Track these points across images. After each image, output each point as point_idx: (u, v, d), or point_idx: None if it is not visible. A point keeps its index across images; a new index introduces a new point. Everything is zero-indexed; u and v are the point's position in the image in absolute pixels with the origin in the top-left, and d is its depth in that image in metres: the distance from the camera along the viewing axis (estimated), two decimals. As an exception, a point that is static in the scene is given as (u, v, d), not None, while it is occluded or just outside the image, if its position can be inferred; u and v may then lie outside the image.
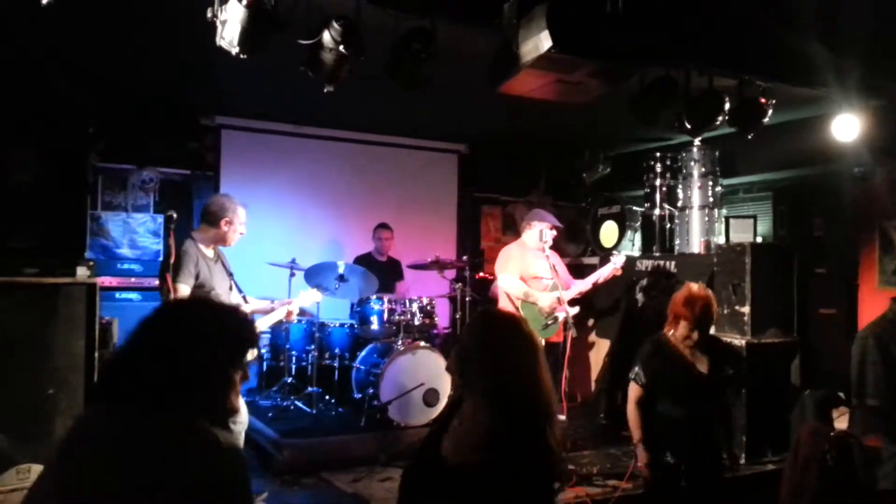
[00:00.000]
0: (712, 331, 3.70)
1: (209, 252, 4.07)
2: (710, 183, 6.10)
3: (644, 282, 6.04)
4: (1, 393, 3.70)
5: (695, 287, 3.55)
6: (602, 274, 5.32)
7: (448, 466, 1.97)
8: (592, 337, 6.57)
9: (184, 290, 3.84)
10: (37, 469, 3.74)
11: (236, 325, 1.68)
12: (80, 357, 3.94)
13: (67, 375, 3.90)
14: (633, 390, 3.56)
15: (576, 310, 5.06)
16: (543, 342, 4.88)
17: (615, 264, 5.33)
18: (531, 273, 5.19)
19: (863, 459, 2.99)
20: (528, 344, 2.05)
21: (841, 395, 5.16)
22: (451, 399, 2.21)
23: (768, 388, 5.04)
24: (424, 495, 2.05)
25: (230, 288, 4.14)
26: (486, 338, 2.07)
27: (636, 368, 3.56)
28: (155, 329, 1.62)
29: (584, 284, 5.28)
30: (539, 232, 5.19)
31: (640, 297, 6.08)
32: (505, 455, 1.92)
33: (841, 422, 5.16)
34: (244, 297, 4.25)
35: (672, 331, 3.53)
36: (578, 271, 6.04)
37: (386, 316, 5.79)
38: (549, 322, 4.99)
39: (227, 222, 4.05)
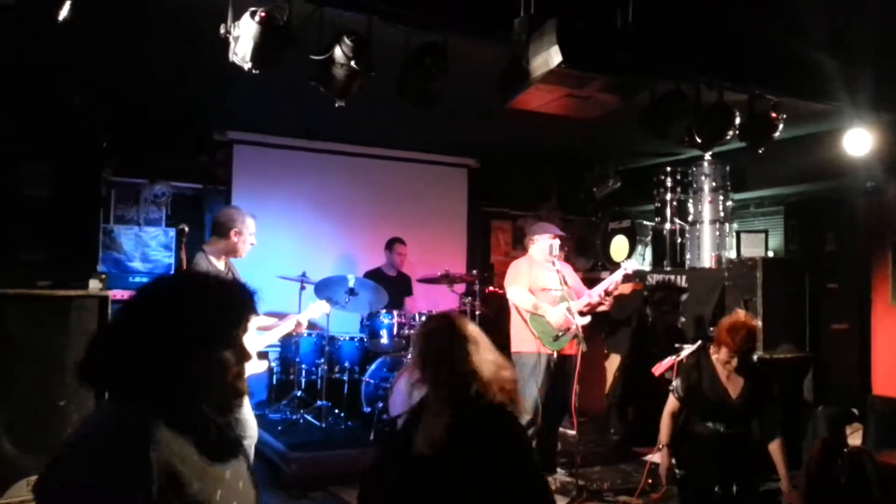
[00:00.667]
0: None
1: (220, 264, 4.09)
2: (721, 197, 6.08)
3: (655, 296, 6.02)
4: (13, 404, 3.71)
5: (741, 315, 3.62)
6: (612, 281, 5.25)
7: (419, 457, 2.11)
8: (604, 351, 6.53)
9: None
10: (47, 481, 3.75)
11: (215, 299, 1.47)
12: (92, 369, 3.95)
13: (78, 387, 3.91)
14: (670, 402, 3.68)
15: (585, 320, 5.04)
16: (555, 354, 4.91)
17: (625, 269, 5.28)
18: (540, 285, 5.18)
19: (876, 475, 2.96)
20: (458, 336, 2.22)
21: (854, 410, 5.11)
22: (421, 398, 2.34)
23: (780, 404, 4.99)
24: (395, 487, 2.16)
25: None
26: (425, 340, 2.28)
27: (675, 382, 3.68)
28: (126, 313, 1.45)
29: (594, 294, 5.26)
30: (545, 244, 5.19)
31: (650, 311, 6.06)
32: (466, 440, 2.08)
33: (854, 438, 5.11)
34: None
35: (716, 352, 3.58)
36: (594, 286, 6.02)
37: (395, 330, 5.80)
38: (560, 334, 4.97)
39: (237, 233, 4.07)
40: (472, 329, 2.27)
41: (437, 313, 2.71)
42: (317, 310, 4.50)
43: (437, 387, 2.19)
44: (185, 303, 1.43)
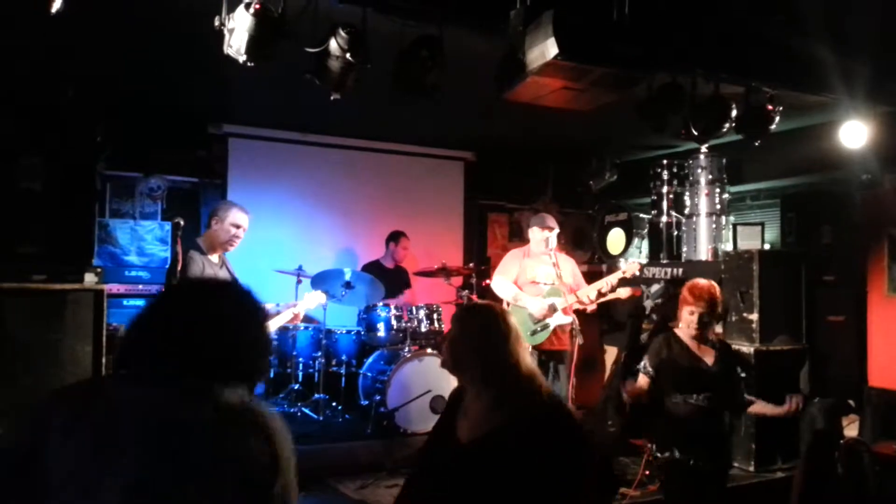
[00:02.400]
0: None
1: (214, 258, 4.10)
2: (718, 190, 6.08)
3: (652, 289, 6.02)
4: (8, 397, 3.71)
5: (701, 280, 3.61)
6: (608, 282, 5.25)
7: (463, 445, 2.13)
8: (602, 345, 6.54)
9: None
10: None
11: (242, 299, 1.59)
12: (88, 363, 3.96)
13: (74, 381, 3.91)
14: (642, 381, 3.62)
15: (568, 319, 5.02)
16: (530, 348, 4.90)
17: (623, 272, 5.26)
18: (528, 278, 5.20)
19: (872, 466, 2.97)
20: (498, 327, 2.20)
21: (850, 402, 5.13)
22: (453, 392, 2.36)
23: (777, 396, 5.01)
24: (441, 475, 2.17)
25: None
26: (463, 329, 2.26)
27: (644, 361, 3.64)
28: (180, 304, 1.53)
29: (588, 291, 5.25)
30: (537, 236, 5.20)
31: (647, 304, 6.07)
32: (511, 431, 2.04)
33: (850, 429, 5.13)
34: None
35: (680, 325, 3.58)
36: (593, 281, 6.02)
37: (393, 323, 5.79)
38: (538, 329, 4.97)
39: (217, 220, 4.08)
40: (514, 322, 2.27)
41: (478, 302, 2.70)
42: (313, 300, 4.51)
43: (477, 375, 2.18)
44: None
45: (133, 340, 1.45)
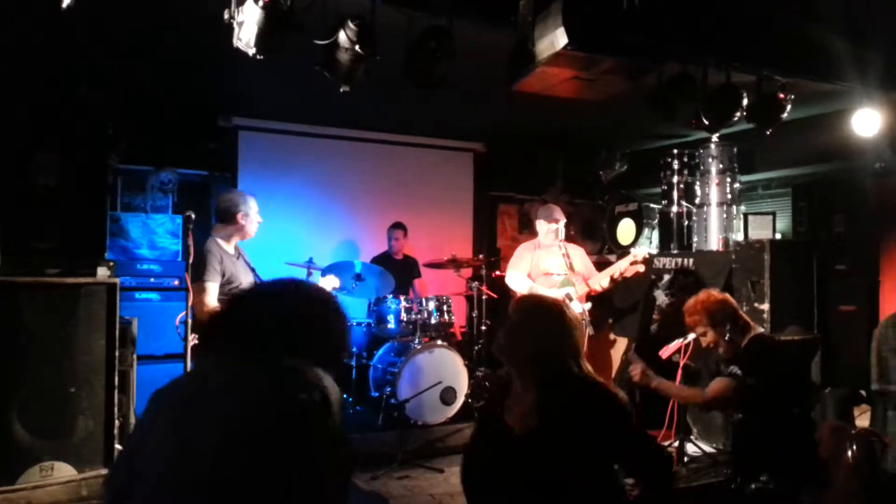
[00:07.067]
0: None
1: (230, 249, 4.16)
2: (729, 179, 6.05)
3: (663, 280, 6.01)
4: (24, 391, 3.75)
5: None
6: (619, 268, 5.26)
7: (514, 436, 2.16)
8: (611, 335, 6.54)
9: (212, 287, 3.93)
10: (59, 466, 3.79)
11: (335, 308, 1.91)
12: (101, 356, 3.99)
13: (88, 374, 3.94)
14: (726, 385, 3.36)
15: (585, 307, 5.03)
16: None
17: (634, 256, 5.26)
18: (541, 269, 5.20)
19: (884, 457, 2.96)
20: (560, 320, 2.23)
21: (862, 392, 5.11)
22: (499, 378, 2.43)
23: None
24: (492, 464, 2.21)
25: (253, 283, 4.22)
26: (522, 319, 2.28)
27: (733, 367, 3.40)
28: (291, 292, 1.81)
29: (601, 279, 5.26)
30: (543, 228, 5.20)
31: (658, 294, 6.05)
32: (558, 421, 2.09)
33: (862, 419, 5.11)
34: None
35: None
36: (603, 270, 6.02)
37: (403, 315, 5.80)
38: None
39: (244, 216, 4.18)
40: (573, 313, 2.29)
41: (543, 296, 2.71)
42: (325, 285, 4.58)
43: (531, 368, 2.20)
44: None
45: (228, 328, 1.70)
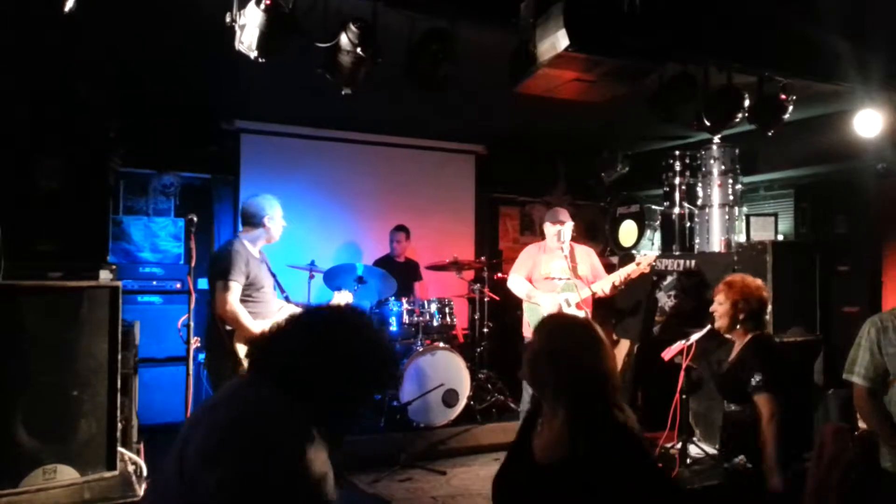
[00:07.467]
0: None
1: (255, 252, 4.22)
2: (731, 181, 6.04)
3: (665, 281, 6.00)
4: (27, 394, 3.75)
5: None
6: (621, 275, 5.23)
7: (538, 465, 2.06)
8: (613, 337, 6.53)
9: (236, 287, 3.97)
10: (63, 469, 3.78)
11: (385, 360, 1.81)
12: (103, 359, 3.98)
13: (90, 377, 3.93)
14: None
15: (581, 314, 5.01)
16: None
17: (638, 264, 5.22)
18: (543, 274, 5.18)
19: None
20: (592, 343, 2.06)
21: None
22: (532, 403, 2.27)
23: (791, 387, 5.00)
24: (518, 494, 2.11)
25: (273, 288, 4.27)
26: (551, 343, 2.10)
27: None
28: (325, 327, 1.75)
29: (603, 284, 5.24)
30: (549, 230, 5.19)
31: (660, 296, 6.05)
32: (587, 451, 1.93)
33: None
34: (286, 298, 4.38)
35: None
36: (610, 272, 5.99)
37: (405, 317, 5.81)
38: None
39: (270, 219, 4.28)
40: (602, 334, 2.10)
41: (567, 316, 2.58)
42: (340, 300, 4.65)
43: (555, 396, 2.03)
44: (378, 352, 1.79)
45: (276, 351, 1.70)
